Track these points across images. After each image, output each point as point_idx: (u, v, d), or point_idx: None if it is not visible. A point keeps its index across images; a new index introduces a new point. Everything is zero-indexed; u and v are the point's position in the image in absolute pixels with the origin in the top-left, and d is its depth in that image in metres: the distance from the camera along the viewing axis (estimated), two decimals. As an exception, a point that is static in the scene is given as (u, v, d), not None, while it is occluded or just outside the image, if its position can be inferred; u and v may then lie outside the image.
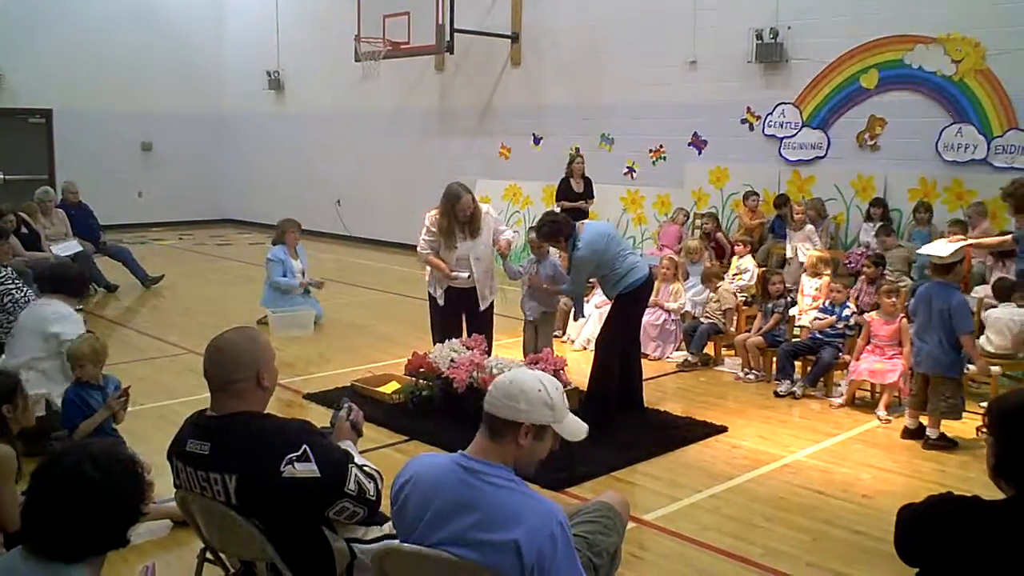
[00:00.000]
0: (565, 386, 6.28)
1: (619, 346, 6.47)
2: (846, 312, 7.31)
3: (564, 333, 9.08)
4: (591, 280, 7.17)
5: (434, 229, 6.92)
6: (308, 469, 2.75)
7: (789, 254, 9.89)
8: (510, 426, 2.54)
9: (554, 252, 7.29)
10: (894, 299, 6.95)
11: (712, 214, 11.24)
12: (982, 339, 7.14)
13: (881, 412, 6.63)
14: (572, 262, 6.42)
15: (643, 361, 8.17)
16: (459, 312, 7.17)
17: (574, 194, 11.44)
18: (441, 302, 7.10)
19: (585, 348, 8.40)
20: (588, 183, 11.65)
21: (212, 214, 20.27)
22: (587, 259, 6.28)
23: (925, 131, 10.02)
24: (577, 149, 12.34)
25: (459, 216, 6.84)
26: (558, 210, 10.55)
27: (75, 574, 2.09)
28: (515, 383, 2.56)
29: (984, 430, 2.31)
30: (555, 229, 6.45)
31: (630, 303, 6.42)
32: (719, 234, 10.92)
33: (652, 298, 8.58)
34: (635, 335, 6.75)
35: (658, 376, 7.82)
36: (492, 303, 7.24)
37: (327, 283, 10.39)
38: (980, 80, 9.62)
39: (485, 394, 2.64)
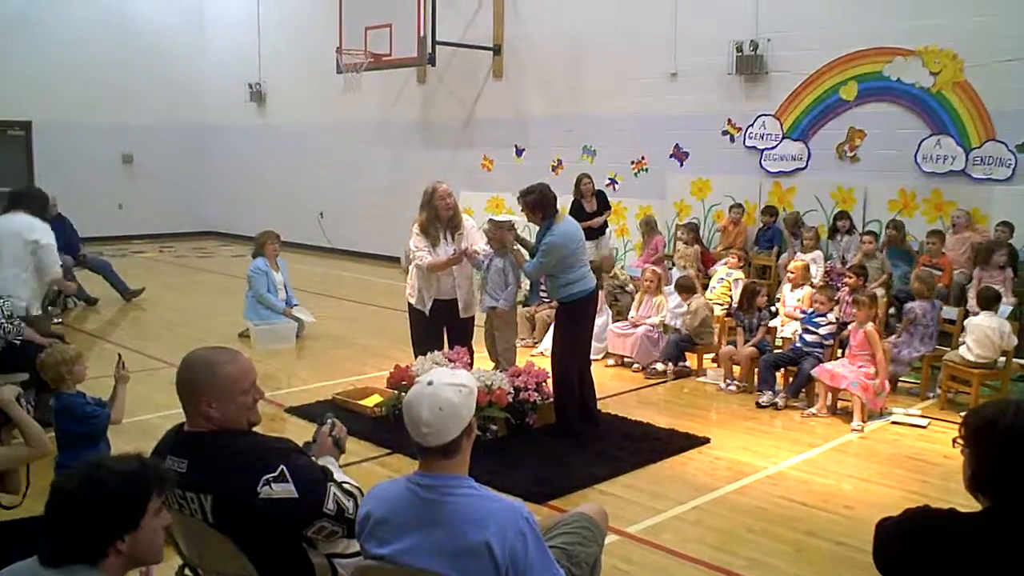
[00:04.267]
0: (547, 398, 6.36)
1: (575, 357, 6.45)
2: (819, 321, 7.34)
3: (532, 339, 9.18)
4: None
5: (420, 233, 6.92)
6: (285, 490, 2.73)
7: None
8: (461, 436, 2.55)
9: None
10: (864, 309, 7.00)
11: (691, 225, 11.25)
12: (962, 348, 7.19)
13: (856, 423, 6.65)
14: (541, 245, 6.25)
15: (627, 372, 8.28)
16: (440, 324, 7.15)
17: (586, 215, 11.05)
18: (428, 311, 7.05)
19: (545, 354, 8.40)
20: (600, 197, 11.30)
21: (194, 226, 20.17)
22: (556, 247, 6.17)
23: (904, 143, 10.11)
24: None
25: (439, 208, 6.83)
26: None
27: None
28: (443, 406, 2.51)
29: (960, 441, 2.31)
30: (542, 200, 6.29)
31: (576, 313, 6.39)
32: (696, 245, 10.93)
33: (633, 313, 8.65)
34: (587, 345, 6.69)
35: (641, 388, 7.83)
36: (473, 316, 7.23)
37: (309, 296, 10.32)
38: (958, 92, 9.72)
39: None
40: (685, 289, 8.51)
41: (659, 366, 8.18)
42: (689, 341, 8.23)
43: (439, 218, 6.89)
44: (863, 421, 6.66)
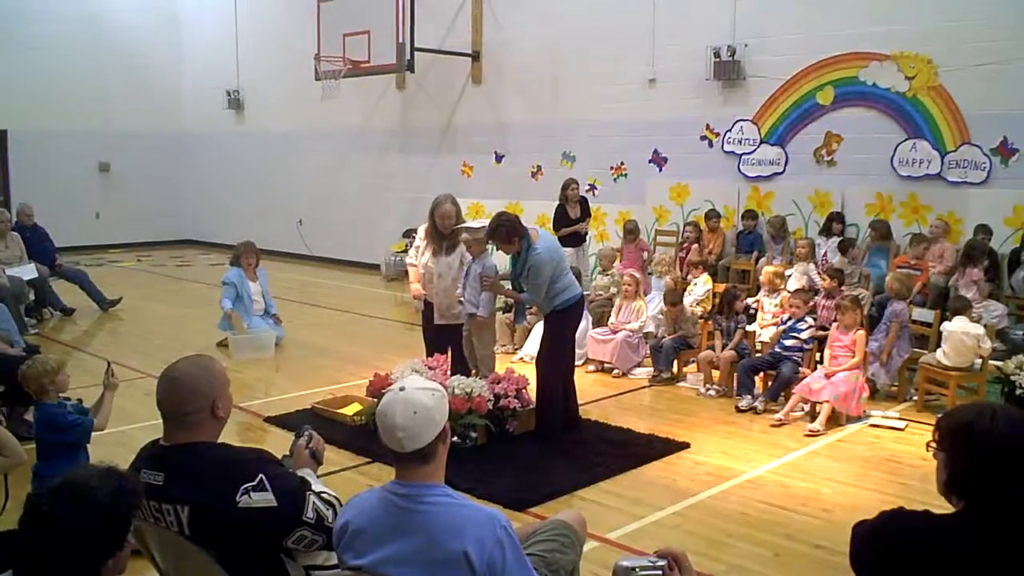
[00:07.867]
0: (525, 406, 6.34)
1: (561, 365, 6.48)
2: (801, 326, 7.37)
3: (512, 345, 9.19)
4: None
5: (423, 239, 7.20)
6: (264, 498, 2.71)
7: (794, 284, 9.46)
8: (436, 441, 2.54)
9: (501, 254, 7.12)
10: (850, 313, 7.04)
11: (694, 224, 11.24)
12: (938, 353, 7.23)
13: (815, 424, 6.69)
14: (530, 264, 6.21)
15: (607, 378, 8.29)
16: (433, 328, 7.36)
17: (570, 220, 11.18)
18: (421, 307, 7.42)
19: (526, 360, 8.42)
20: (583, 204, 11.37)
21: (172, 235, 20.06)
22: (546, 262, 6.19)
23: (880, 147, 10.18)
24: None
25: (439, 225, 6.99)
26: (555, 236, 10.46)
27: None
28: (417, 410, 2.50)
29: (934, 445, 2.31)
30: (511, 229, 6.25)
31: (565, 319, 6.42)
32: (695, 245, 10.92)
33: (613, 319, 8.66)
34: (572, 353, 6.73)
35: (621, 393, 7.83)
36: (456, 324, 7.19)
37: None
38: (933, 96, 9.80)
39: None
40: (671, 301, 8.48)
41: (663, 373, 8.17)
42: (683, 343, 8.24)
43: (437, 230, 7.07)
44: (822, 426, 6.68)
